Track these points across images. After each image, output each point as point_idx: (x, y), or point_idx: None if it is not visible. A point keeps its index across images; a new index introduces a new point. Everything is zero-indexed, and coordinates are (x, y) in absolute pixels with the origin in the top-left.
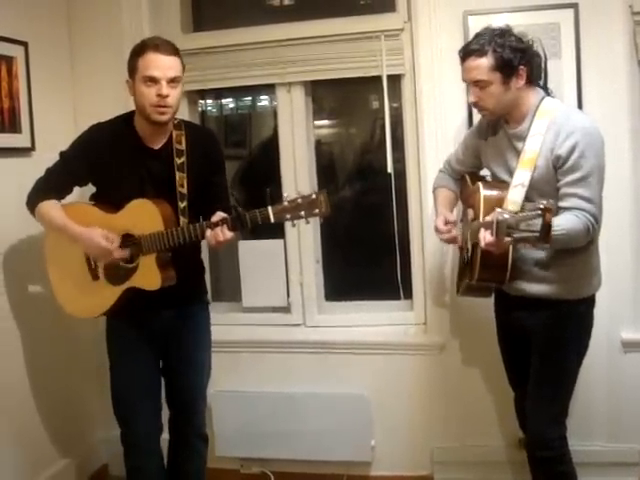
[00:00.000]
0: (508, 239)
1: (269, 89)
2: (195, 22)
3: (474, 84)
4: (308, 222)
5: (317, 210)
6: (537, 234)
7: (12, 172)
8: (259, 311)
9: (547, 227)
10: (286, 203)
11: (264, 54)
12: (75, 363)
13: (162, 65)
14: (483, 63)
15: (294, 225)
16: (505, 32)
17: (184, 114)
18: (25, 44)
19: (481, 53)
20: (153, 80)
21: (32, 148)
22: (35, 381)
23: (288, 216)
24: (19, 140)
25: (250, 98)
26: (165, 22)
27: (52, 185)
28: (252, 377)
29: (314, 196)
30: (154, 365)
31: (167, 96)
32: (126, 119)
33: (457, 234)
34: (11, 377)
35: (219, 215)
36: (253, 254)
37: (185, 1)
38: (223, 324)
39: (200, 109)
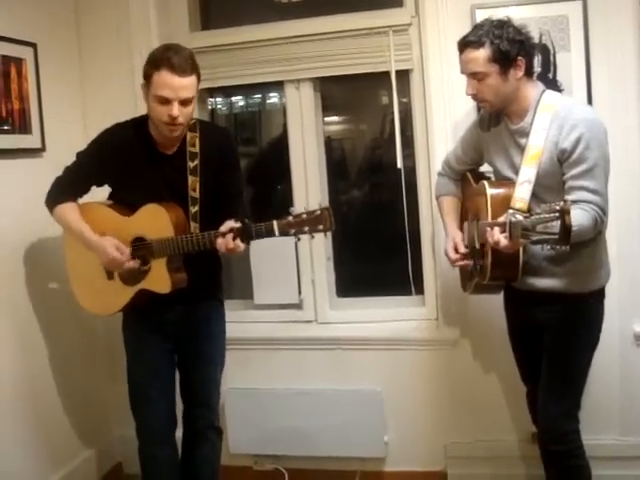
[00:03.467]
0: (522, 240)
1: (278, 86)
2: (203, 20)
3: (472, 76)
4: (313, 237)
5: (321, 226)
6: (556, 236)
7: (23, 172)
8: (271, 308)
9: (567, 229)
10: (291, 218)
11: (272, 51)
12: (92, 362)
13: (176, 87)
14: (480, 55)
15: (299, 239)
16: (504, 23)
17: (194, 112)
18: (34, 45)
19: (478, 45)
20: (165, 100)
21: (42, 149)
22: (53, 378)
23: (292, 231)
24: (30, 141)
25: (259, 95)
26: (173, 21)
27: (69, 185)
28: (264, 374)
29: (319, 212)
30: (169, 359)
31: (177, 117)
32: (140, 123)
33: (468, 262)
34: (30, 373)
35: (227, 225)
36: (264, 251)
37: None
38: (235, 321)
39: (210, 107)
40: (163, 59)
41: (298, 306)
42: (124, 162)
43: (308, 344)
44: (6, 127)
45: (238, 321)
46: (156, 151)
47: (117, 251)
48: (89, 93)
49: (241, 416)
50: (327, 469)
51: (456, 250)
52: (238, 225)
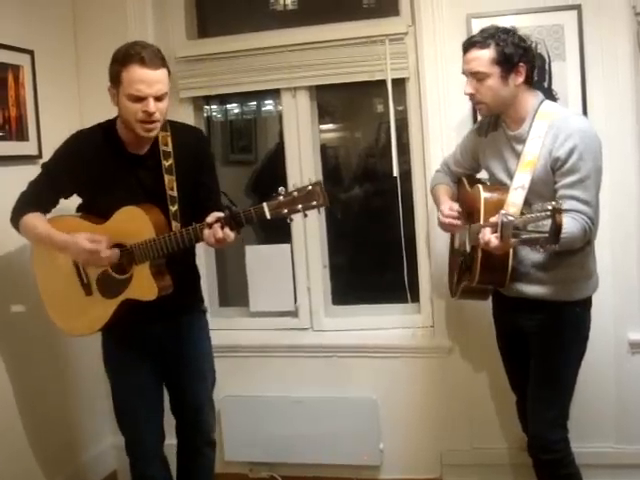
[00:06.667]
0: (513, 240)
1: (274, 94)
2: (200, 28)
3: (472, 75)
4: (306, 215)
5: (315, 202)
6: (546, 235)
7: (19, 179)
8: (266, 315)
9: (558, 228)
10: (281, 198)
11: (269, 59)
12: (82, 371)
13: (148, 82)
14: (484, 55)
15: (291, 220)
16: (509, 30)
17: (190, 120)
18: (31, 52)
19: (483, 45)
20: (139, 98)
21: (39, 156)
22: (46, 387)
23: (285, 211)
24: (26, 148)
25: (255, 103)
26: (170, 29)
27: (35, 198)
28: (260, 381)
29: (310, 187)
30: (153, 377)
31: (154, 113)
32: (108, 127)
33: (460, 222)
34: (24, 382)
35: (214, 215)
36: (260, 259)
37: (190, 8)
38: (230, 329)
39: (205, 114)
40: (131, 55)
41: (294, 314)
42: (94, 167)
43: (304, 352)
44: (3, 134)
45: (234, 329)
46: (126, 152)
47: (92, 242)
48: (86, 100)
49: (236, 424)
50: (322, 477)
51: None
52: (225, 214)
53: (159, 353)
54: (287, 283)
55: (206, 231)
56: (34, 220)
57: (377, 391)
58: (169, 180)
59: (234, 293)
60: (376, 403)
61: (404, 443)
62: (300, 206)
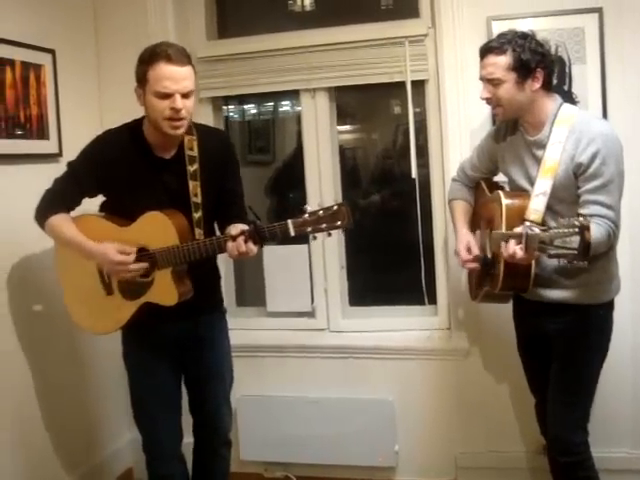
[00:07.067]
0: (538, 253)
1: (292, 95)
2: (220, 29)
3: (489, 81)
4: (330, 235)
5: (339, 222)
6: (575, 252)
7: (40, 178)
8: (283, 316)
9: (587, 245)
10: (307, 216)
11: (289, 60)
12: (102, 368)
13: (175, 78)
14: (501, 61)
15: (315, 238)
16: (527, 35)
17: (209, 120)
18: (53, 52)
19: (500, 51)
20: (166, 95)
21: (59, 154)
22: (63, 383)
23: (309, 229)
24: (47, 146)
25: (272, 104)
26: (191, 29)
27: (61, 197)
28: (276, 382)
29: (335, 208)
30: (172, 376)
31: (181, 109)
32: (135, 127)
33: (477, 265)
34: (41, 378)
35: (238, 228)
36: (278, 259)
37: (210, 9)
38: (247, 329)
39: (224, 115)
40: (157, 53)
41: (311, 314)
42: (120, 169)
43: (320, 352)
44: (24, 132)
45: (250, 328)
46: (153, 156)
47: (121, 254)
48: (106, 99)
49: (252, 423)
50: (337, 477)
51: (469, 251)
52: (249, 227)
53: (178, 353)
54: (304, 284)
55: (229, 244)
56: (61, 222)
57: (393, 393)
58: (193, 186)
59: (251, 293)
60: (392, 405)
61: (419, 445)
62: (324, 225)
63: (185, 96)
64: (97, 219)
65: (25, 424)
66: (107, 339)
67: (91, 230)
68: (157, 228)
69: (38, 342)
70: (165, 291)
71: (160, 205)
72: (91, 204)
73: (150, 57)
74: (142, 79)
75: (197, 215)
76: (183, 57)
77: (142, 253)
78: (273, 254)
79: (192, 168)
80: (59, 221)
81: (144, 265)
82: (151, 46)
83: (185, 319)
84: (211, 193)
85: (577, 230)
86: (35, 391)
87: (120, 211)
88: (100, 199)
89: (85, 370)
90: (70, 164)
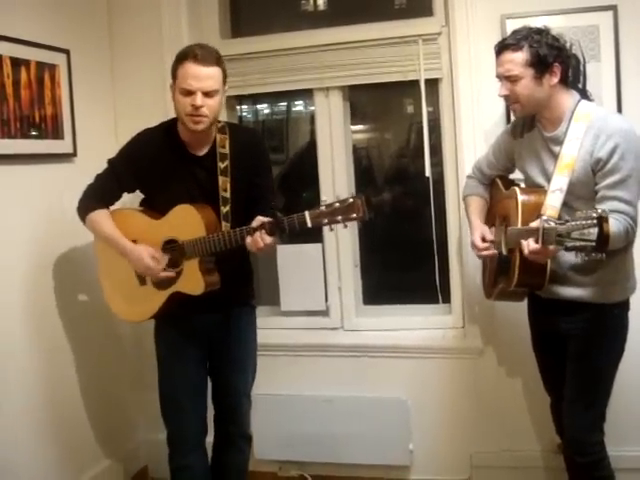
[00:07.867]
0: (553, 247)
1: (305, 94)
2: (234, 28)
3: (506, 78)
4: (346, 226)
5: (355, 214)
6: (593, 243)
7: (55, 177)
8: (297, 315)
9: (605, 237)
10: (323, 208)
11: (302, 59)
12: (119, 367)
13: (198, 77)
14: (518, 57)
15: (332, 229)
16: (542, 31)
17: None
18: (67, 52)
19: (517, 47)
20: (189, 92)
21: (74, 154)
22: (80, 383)
23: (325, 221)
24: (61, 146)
25: (285, 103)
26: (204, 28)
27: (101, 192)
28: (290, 380)
29: (351, 200)
30: (201, 365)
31: (201, 107)
32: (170, 126)
33: (494, 252)
34: (58, 378)
35: (258, 220)
36: (292, 258)
37: (224, 8)
38: (261, 327)
39: (238, 114)
40: (187, 52)
41: (325, 313)
42: (156, 165)
43: (334, 351)
44: (39, 132)
45: (264, 327)
46: (187, 153)
47: (153, 260)
48: (121, 99)
49: (267, 422)
50: (352, 476)
51: (483, 240)
52: (269, 219)
53: (206, 343)
54: (318, 282)
55: (248, 238)
56: (101, 219)
57: (407, 391)
58: (223, 181)
59: (265, 292)
60: (406, 403)
61: (434, 444)
62: (340, 217)
63: (208, 95)
64: (132, 212)
65: (36, 424)
66: (124, 342)
67: (126, 223)
68: (186, 220)
69: (54, 343)
70: (192, 280)
71: (192, 199)
72: (131, 197)
73: (180, 56)
74: (173, 76)
75: (225, 209)
76: (211, 58)
77: (171, 244)
78: (287, 253)
79: (223, 164)
80: (98, 217)
81: (171, 274)
82: (186, 46)
83: (216, 311)
84: (240, 188)
85: (595, 221)
86: (47, 392)
87: (155, 205)
88: (140, 195)
89: (99, 370)
90: (110, 161)
